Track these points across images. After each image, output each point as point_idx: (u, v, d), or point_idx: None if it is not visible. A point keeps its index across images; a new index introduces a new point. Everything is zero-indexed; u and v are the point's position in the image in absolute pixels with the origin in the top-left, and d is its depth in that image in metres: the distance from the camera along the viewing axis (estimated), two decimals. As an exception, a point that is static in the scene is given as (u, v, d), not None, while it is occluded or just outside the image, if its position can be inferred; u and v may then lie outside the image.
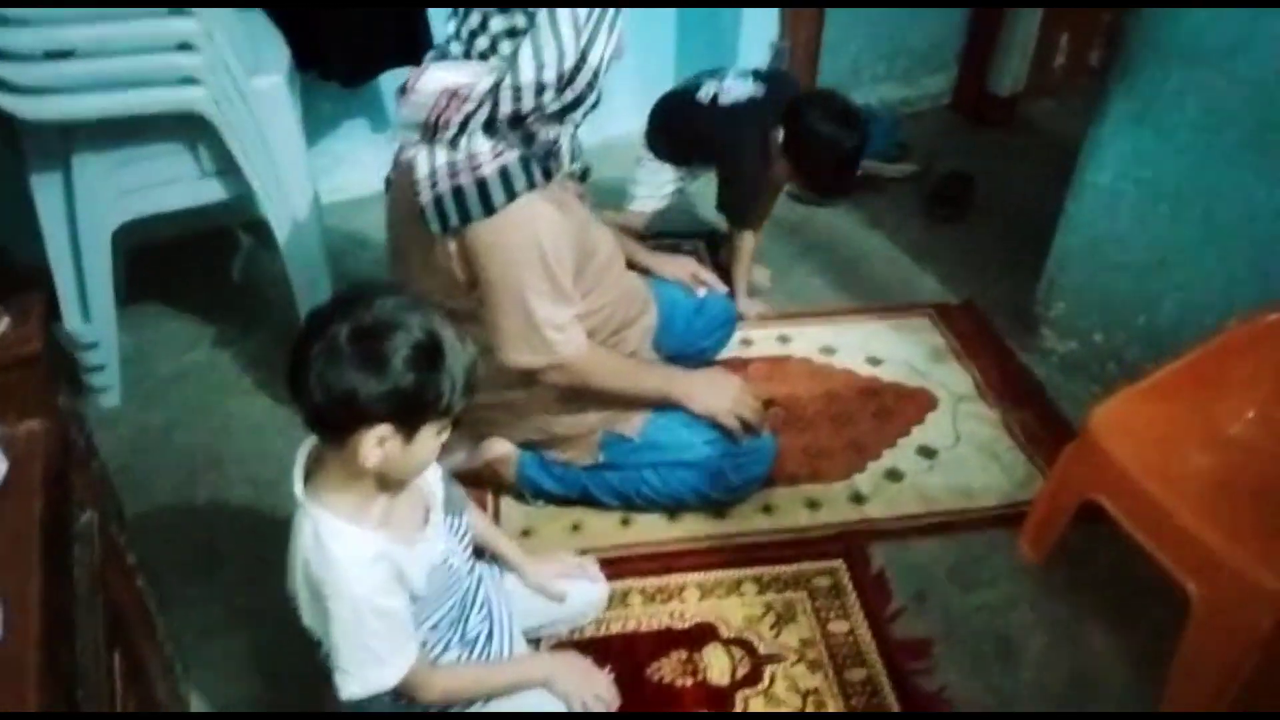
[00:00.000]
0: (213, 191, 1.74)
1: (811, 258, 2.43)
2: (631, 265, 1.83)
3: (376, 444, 1.00)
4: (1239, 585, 1.23)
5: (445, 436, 1.09)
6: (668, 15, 2.73)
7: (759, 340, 2.13)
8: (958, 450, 1.85)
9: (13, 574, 0.87)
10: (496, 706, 1.27)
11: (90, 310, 1.79)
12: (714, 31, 2.62)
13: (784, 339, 2.14)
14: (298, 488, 1.08)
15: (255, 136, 1.64)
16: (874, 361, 2.07)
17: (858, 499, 1.74)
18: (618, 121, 2.73)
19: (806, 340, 2.14)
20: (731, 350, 2.06)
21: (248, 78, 1.60)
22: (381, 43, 2.17)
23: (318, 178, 1.97)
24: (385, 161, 1.51)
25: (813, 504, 1.73)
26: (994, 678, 1.44)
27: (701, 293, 1.92)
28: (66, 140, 1.60)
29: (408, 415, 1.00)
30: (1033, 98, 3.09)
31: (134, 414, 1.90)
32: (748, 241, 2.14)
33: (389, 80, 2.34)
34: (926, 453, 1.84)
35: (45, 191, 1.66)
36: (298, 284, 1.86)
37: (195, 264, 2.30)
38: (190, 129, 1.63)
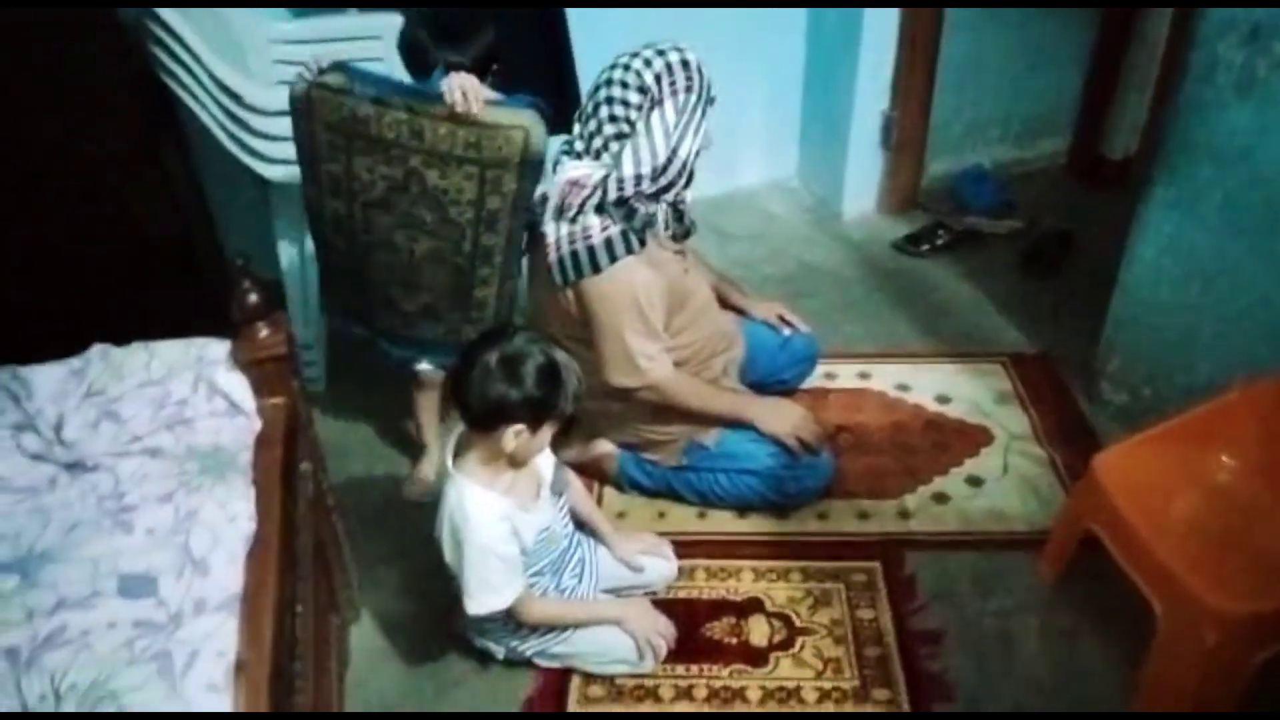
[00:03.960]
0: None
1: (903, 304, 2.70)
2: (728, 305, 2.21)
3: (513, 436, 1.43)
4: (1192, 605, 1.47)
5: (555, 428, 1.50)
6: (795, 82, 3.09)
7: (841, 375, 2.44)
8: (1003, 482, 2.10)
9: (264, 496, 1.34)
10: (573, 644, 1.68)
11: (308, 314, 2.34)
12: (831, 98, 2.96)
13: (864, 375, 2.44)
14: (449, 462, 1.53)
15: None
16: (943, 400, 2.34)
17: (904, 515, 2.03)
18: (744, 175, 3.12)
19: (884, 377, 2.43)
20: (815, 381, 2.38)
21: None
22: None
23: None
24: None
25: (863, 515, 2.03)
26: (992, 666, 1.71)
27: (786, 331, 2.26)
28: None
29: (536, 416, 1.44)
30: (1146, 161, 3.21)
31: (334, 396, 2.41)
32: None
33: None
34: (974, 481, 2.10)
35: (284, 230, 2.22)
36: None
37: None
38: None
